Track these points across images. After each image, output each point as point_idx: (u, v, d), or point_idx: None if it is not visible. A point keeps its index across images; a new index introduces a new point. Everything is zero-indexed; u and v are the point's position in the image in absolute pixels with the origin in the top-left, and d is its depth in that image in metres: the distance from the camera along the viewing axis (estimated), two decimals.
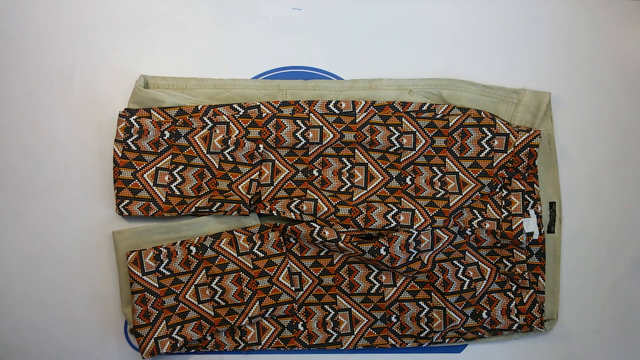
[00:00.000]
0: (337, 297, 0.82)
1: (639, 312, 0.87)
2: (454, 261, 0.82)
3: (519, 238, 0.81)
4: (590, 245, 0.87)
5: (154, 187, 0.79)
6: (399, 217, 0.79)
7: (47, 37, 0.84)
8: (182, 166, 0.80)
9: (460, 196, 0.81)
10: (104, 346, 0.82)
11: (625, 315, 0.87)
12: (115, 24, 0.85)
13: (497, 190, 0.83)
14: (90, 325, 0.82)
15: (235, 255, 0.80)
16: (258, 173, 0.81)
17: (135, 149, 0.79)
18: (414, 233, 0.79)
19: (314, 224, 0.79)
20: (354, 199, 0.80)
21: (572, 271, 0.86)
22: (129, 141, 0.79)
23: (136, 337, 0.78)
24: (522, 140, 0.81)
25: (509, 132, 0.81)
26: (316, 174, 0.82)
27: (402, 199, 0.81)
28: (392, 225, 0.79)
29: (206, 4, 0.87)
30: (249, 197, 0.79)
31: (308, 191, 0.81)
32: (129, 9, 0.86)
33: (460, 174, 0.82)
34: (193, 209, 0.79)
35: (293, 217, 0.80)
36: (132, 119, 0.79)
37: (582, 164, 0.88)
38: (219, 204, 0.79)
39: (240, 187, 0.80)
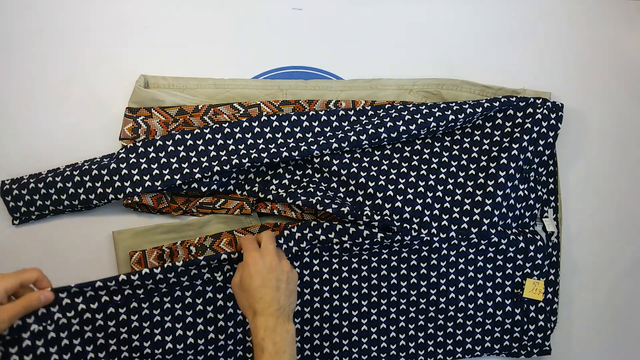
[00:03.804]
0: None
1: (639, 312, 0.87)
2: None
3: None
4: (590, 245, 0.87)
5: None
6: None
7: (47, 37, 0.84)
8: None
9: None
10: None
11: (625, 316, 0.87)
12: (116, 24, 0.85)
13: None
14: None
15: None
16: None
17: None
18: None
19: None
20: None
21: (572, 271, 0.86)
22: (136, 141, 0.78)
23: None
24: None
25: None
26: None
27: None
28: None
29: (206, 4, 0.87)
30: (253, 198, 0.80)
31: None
32: (129, 9, 0.86)
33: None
34: (197, 203, 0.79)
35: (294, 216, 0.80)
36: (139, 120, 0.79)
37: (582, 164, 0.88)
38: (223, 200, 0.79)
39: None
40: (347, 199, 0.78)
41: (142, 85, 0.81)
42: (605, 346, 0.87)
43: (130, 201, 0.77)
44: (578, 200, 0.87)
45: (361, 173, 0.79)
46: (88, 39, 0.85)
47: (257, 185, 0.80)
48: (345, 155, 0.80)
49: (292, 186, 0.80)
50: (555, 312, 0.84)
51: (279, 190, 0.79)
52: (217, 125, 0.78)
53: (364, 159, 0.81)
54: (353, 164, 0.79)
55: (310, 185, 0.79)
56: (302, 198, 0.76)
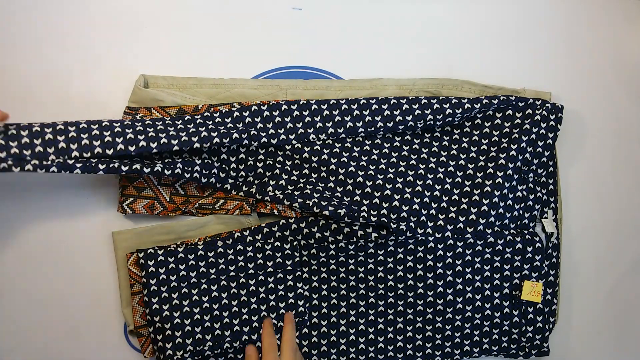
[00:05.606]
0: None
1: (639, 312, 0.87)
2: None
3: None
4: (590, 245, 0.87)
5: (159, 187, 0.79)
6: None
7: (46, 37, 0.84)
8: None
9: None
10: (104, 347, 0.81)
11: (626, 316, 0.87)
12: (115, 23, 0.85)
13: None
14: (90, 325, 0.81)
15: None
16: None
17: None
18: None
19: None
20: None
21: (572, 271, 0.86)
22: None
23: (138, 337, 0.77)
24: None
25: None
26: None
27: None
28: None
29: (206, 3, 0.87)
30: (252, 198, 0.80)
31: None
32: (129, 9, 0.86)
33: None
34: (197, 204, 0.79)
35: (293, 216, 0.80)
36: (137, 117, 0.78)
37: (582, 164, 0.88)
38: (222, 201, 0.79)
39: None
40: (345, 198, 0.78)
41: (141, 84, 0.81)
42: (605, 347, 0.87)
43: (123, 206, 0.77)
44: (578, 201, 0.87)
45: (359, 172, 0.79)
46: (87, 39, 0.85)
47: (254, 186, 0.80)
48: (343, 153, 0.80)
49: (289, 187, 0.80)
50: (554, 313, 0.84)
51: (276, 191, 0.79)
52: (208, 114, 0.78)
53: (362, 157, 0.81)
54: (350, 162, 0.79)
55: (307, 186, 0.79)
56: (299, 200, 0.76)
